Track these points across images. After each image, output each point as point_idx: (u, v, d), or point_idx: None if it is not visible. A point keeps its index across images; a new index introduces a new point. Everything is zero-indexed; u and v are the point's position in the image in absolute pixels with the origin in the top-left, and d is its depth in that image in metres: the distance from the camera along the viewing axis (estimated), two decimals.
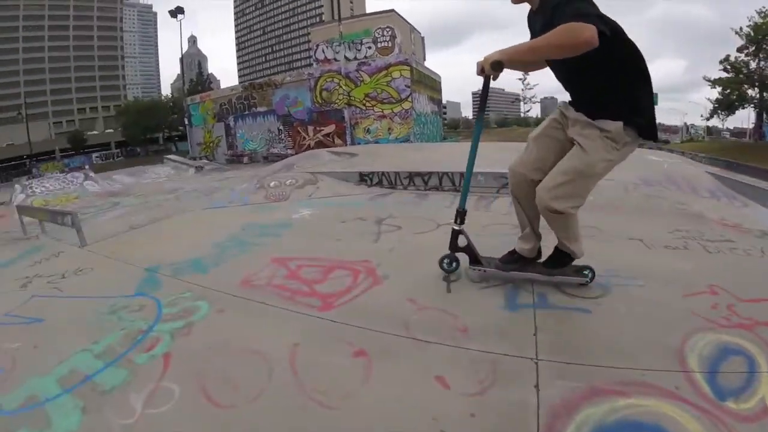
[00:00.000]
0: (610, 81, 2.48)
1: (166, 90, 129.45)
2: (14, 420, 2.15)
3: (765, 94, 35.42)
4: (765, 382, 2.02)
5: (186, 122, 33.62)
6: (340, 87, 24.31)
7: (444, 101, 45.58)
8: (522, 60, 2.51)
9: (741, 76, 36.07)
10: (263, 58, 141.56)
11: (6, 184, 34.10)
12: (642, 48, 2.47)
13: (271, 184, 8.21)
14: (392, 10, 27.97)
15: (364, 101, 24.00)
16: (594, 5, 2.34)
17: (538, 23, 2.53)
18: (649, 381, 2.06)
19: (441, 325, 2.73)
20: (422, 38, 35.54)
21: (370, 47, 26.31)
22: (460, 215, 3.08)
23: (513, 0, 2.72)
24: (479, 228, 4.59)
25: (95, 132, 68.82)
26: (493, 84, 2.76)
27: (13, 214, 9.95)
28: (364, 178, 8.37)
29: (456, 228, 3.12)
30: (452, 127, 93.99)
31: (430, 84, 28.77)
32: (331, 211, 6.34)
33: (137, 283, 3.88)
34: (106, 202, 12.78)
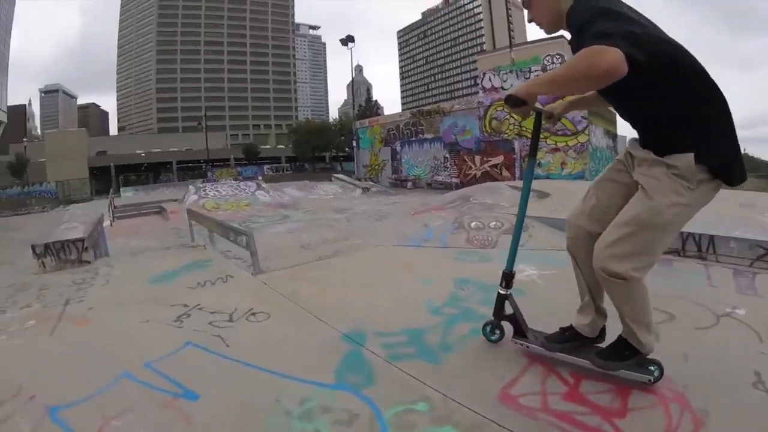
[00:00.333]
0: (669, 106, 1.95)
1: (333, 113, 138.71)
2: None
3: None
4: None
5: (354, 144, 34.55)
6: (511, 116, 22.92)
7: None
8: (544, 93, 2.05)
9: None
10: (425, 86, 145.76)
11: (182, 183, 37.91)
12: None
13: (472, 224, 7.10)
14: (561, 36, 26.09)
15: None
16: (629, 20, 1.85)
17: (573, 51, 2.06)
18: None
19: None
20: None
21: (538, 75, 24.83)
22: (506, 278, 2.67)
23: (547, 30, 2.29)
24: None
25: (267, 146, 74.66)
26: None
27: (184, 212, 10.20)
28: None
29: (502, 293, 2.68)
30: None
31: (606, 116, 26.41)
32: (562, 273, 4.99)
33: (336, 362, 2.71)
34: (275, 214, 13.00)
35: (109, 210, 17.07)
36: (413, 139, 28.30)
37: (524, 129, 22.54)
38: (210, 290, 4.28)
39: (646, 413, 2.10)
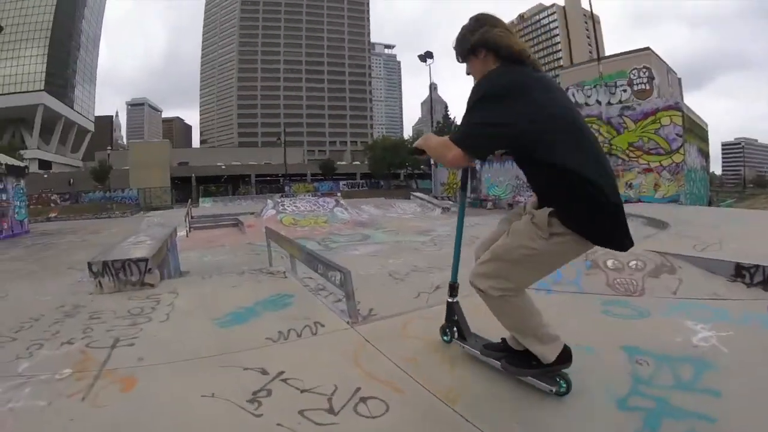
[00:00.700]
0: (536, 171, 2.26)
1: (407, 131, 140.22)
2: None
3: None
4: None
5: (431, 162, 33.74)
6: (600, 134, 21.40)
7: None
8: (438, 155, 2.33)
9: None
10: None
11: (260, 196, 38.37)
12: None
13: (608, 263, 5.69)
14: (648, 49, 24.34)
15: (627, 151, 20.67)
16: (503, 109, 2.09)
17: None
18: None
19: None
20: (679, 80, 30.65)
21: (625, 90, 23.26)
22: (452, 288, 3.08)
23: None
24: None
25: (343, 162, 75.34)
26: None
27: (261, 227, 9.48)
28: (742, 273, 5.23)
29: (450, 301, 3.08)
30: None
31: (699, 133, 24.28)
32: (743, 333, 3.36)
33: None
34: (354, 233, 12.27)
35: (185, 220, 16.93)
36: (493, 157, 26.98)
37: (614, 147, 21.13)
38: (296, 346, 3.22)
39: None
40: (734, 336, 3.19)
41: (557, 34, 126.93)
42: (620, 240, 2.19)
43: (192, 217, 18.82)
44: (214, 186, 60.41)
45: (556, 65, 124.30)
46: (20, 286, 8.46)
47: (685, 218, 10.01)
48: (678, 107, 19.74)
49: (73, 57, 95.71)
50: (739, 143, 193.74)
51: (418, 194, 25.93)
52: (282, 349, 3.13)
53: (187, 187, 55.88)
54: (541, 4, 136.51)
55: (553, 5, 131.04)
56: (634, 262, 5.56)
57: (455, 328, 3.04)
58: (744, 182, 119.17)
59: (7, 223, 17.56)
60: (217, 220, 19.13)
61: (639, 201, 19.36)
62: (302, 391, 2.43)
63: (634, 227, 8.33)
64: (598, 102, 23.44)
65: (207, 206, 32.55)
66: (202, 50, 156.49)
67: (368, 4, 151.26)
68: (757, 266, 4.88)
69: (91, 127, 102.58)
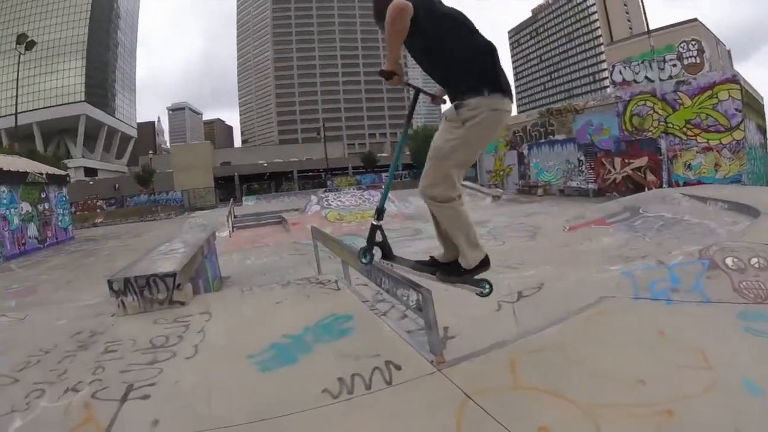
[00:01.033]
0: (433, 59, 2.65)
1: None
2: None
3: None
4: None
5: None
6: (655, 112, 19.75)
7: None
8: (391, 54, 2.54)
9: None
10: (542, 86, 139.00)
11: (303, 192, 37.99)
12: None
13: (728, 261, 4.45)
14: (695, 20, 22.45)
15: (684, 129, 19.02)
16: None
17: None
18: None
19: None
20: (728, 51, 28.37)
21: (675, 65, 21.53)
22: (378, 212, 2.96)
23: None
24: None
25: (384, 154, 74.48)
26: None
27: (306, 224, 8.72)
28: None
29: (375, 224, 2.95)
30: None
31: (757, 108, 22.13)
32: None
33: None
34: (404, 227, 11.39)
35: (228, 219, 16.45)
36: (542, 141, 25.75)
37: (671, 125, 19.40)
38: (366, 407, 2.31)
39: None
40: None
41: (594, 12, 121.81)
42: (503, 77, 2.55)
43: (235, 216, 18.37)
44: (257, 184, 60.45)
45: (595, 43, 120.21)
46: (56, 296, 8.04)
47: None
48: (736, 80, 17.87)
49: (111, 67, 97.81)
50: None
51: (466, 183, 24.72)
52: (347, 413, 2.22)
53: (230, 186, 56.15)
54: None
55: None
56: (755, 259, 4.44)
57: (379, 250, 3.05)
58: None
59: (51, 231, 17.54)
60: (260, 218, 18.66)
61: (699, 183, 17.76)
62: None
63: (715, 214, 6.93)
64: (648, 79, 21.84)
65: (250, 204, 32.25)
66: (238, 51, 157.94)
67: None
68: None
69: (134, 133, 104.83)
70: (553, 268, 5.80)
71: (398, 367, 2.57)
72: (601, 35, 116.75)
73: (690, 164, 19.02)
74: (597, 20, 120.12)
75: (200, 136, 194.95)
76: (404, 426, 2.07)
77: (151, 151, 74.09)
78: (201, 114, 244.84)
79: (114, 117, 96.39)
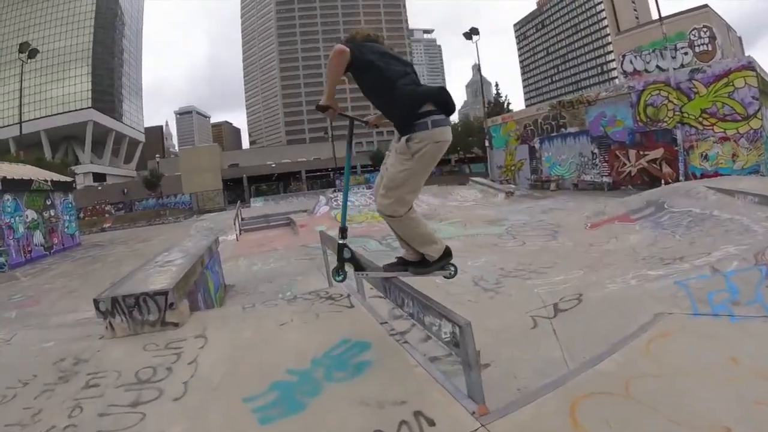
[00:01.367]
0: (378, 100, 3.02)
1: (453, 116, 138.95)
2: None
3: None
4: None
5: (486, 144, 31.83)
6: (669, 101, 19.23)
7: None
8: (328, 92, 2.88)
9: None
10: (549, 79, 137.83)
11: (312, 192, 37.66)
12: None
13: None
14: (706, 6, 21.85)
15: (700, 119, 18.41)
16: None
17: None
18: None
19: None
20: (739, 38, 27.67)
21: (686, 53, 20.90)
22: (342, 231, 3.20)
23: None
24: None
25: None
26: None
27: (314, 226, 8.32)
28: None
29: (341, 242, 3.19)
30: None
31: None
32: None
33: None
34: None
35: (235, 222, 16.09)
36: (554, 134, 25.37)
37: (686, 115, 18.92)
38: None
39: None
40: None
41: (600, 2, 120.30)
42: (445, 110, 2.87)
43: (242, 219, 18.02)
44: (265, 185, 60.33)
45: (602, 34, 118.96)
46: (57, 307, 7.68)
47: None
48: (752, 66, 17.40)
49: (117, 73, 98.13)
50: None
51: (477, 179, 24.32)
52: None
53: (239, 187, 56.03)
54: None
55: None
56: None
57: (350, 265, 3.26)
58: None
59: (57, 237, 17.28)
60: (268, 220, 18.31)
61: (716, 174, 17.27)
62: None
63: (746, 208, 6.40)
64: (659, 68, 21.28)
65: (258, 206, 31.94)
66: (243, 54, 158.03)
67: None
68: None
69: (141, 138, 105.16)
70: (584, 272, 5.32)
71: (431, 422, 2.04)
72: (607, 26, 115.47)
73: (707, 155, 18.56)
74: (603, 11, 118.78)
75: (208, 138, 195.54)
76: None
77: (158, 155, 74.08)
78: (209, 117, 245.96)
79: (121, 122, 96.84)
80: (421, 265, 3.10)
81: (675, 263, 5.17)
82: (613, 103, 21.84)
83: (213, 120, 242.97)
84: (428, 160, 2.85)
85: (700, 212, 8.41)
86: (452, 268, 3.15)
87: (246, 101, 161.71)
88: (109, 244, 18.57)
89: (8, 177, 14.68)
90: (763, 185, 9.53)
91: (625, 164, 21.33)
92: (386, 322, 3.23)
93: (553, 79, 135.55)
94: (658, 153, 20.06)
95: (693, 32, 21.85)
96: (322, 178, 60.34)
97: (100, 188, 57.74)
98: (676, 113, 19.14)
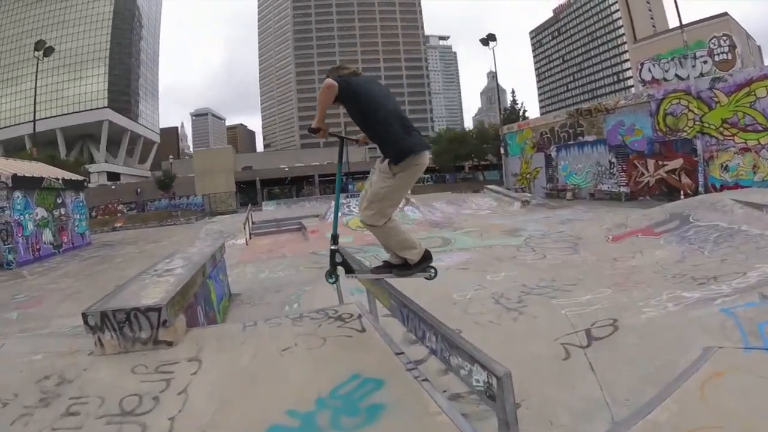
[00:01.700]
0: (364, 126, 3.29)
1: (467, 122, 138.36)
2: None
3: None
4: None
5: (502, 152, 31.64)
6: (690, 111, 18.87)
7: None
8: (319, 117, 3.22)
9: None
10: (564, 87, 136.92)
11: (324, 197, 37.46)
12: None
13: None
14: (726, 14, 21.40)
15: (721, 129, 17.96)
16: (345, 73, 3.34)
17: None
18: None
19: None
20: (758, 47, 27.17)
21: (706, 61, 20.58)
22: (334, 238, 3.55)
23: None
24: None
25: None
26: None
27: (325, 232, 8.01)
28: None
29: (333, 248, 3.51)
30: None
31: None
32: None
33: None
34: (432, 235, 10.75)
35: (245, 226, 15.84)
36: (571, 142, 25.13)
37: (706, 125, 18.57)
38: None
39: None
40: None
41: (617, 10, 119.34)
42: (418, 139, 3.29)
43: (253, 223, 17.75)
44: (278, 188, 60.27)
45: (618, 42, 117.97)
46: (59, 309, 7.44)
47: None
48: None
49: (134, 75, 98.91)
50: None
51: (492, 187, 23.93)
52: None
53: (252, 190, 55.88)
54: None
55: None
56: None
57: (342, 269, 3.57)
58: None
59: (67, 236, 17.17)
60: (279, 224, 18.08)
61: (737, 186, 16.89)
62: None
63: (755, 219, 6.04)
64: (678, 76, 20.84)
65: (270, 209, 31.65)
66: (260, 57, 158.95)
67: None
68: None
69: (157, 138, 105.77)
70: (612, 291, 4.95)
71: None
72: (623, 34, 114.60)
73: (727, 166, 18.24)
74: (619, 19, 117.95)
75: (223, 140, 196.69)
76: None
77: (171, 156, 74.37)
78: (224, 119, 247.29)
79: (137, 122, 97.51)
80: (403, 267, 3.41)
81: (710, 283, 4.81)
82: (632, 112, 21.60)
83: (228, 122, 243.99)
84: (407, 179, 3.24)
85: (727, 227, 8.04)
86: (432, 270, 3.45)
87: (261, 104, 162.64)
88: (119, 244, 18.44)
89: (19, 174, 14.57)
90: None
91: (643, 174, 21.02)
92: (402, 353, 2.82)
93: (569, 87, 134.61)
94: (677, 163, 19.71)
95: (713, 41, 21.35)
96: (334, 183, 60.11)
97: (113, 187, 58.04)
98: (696, 123, 18.81)
